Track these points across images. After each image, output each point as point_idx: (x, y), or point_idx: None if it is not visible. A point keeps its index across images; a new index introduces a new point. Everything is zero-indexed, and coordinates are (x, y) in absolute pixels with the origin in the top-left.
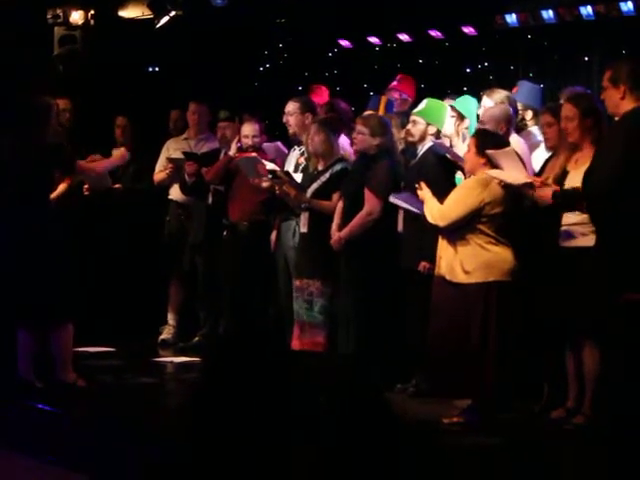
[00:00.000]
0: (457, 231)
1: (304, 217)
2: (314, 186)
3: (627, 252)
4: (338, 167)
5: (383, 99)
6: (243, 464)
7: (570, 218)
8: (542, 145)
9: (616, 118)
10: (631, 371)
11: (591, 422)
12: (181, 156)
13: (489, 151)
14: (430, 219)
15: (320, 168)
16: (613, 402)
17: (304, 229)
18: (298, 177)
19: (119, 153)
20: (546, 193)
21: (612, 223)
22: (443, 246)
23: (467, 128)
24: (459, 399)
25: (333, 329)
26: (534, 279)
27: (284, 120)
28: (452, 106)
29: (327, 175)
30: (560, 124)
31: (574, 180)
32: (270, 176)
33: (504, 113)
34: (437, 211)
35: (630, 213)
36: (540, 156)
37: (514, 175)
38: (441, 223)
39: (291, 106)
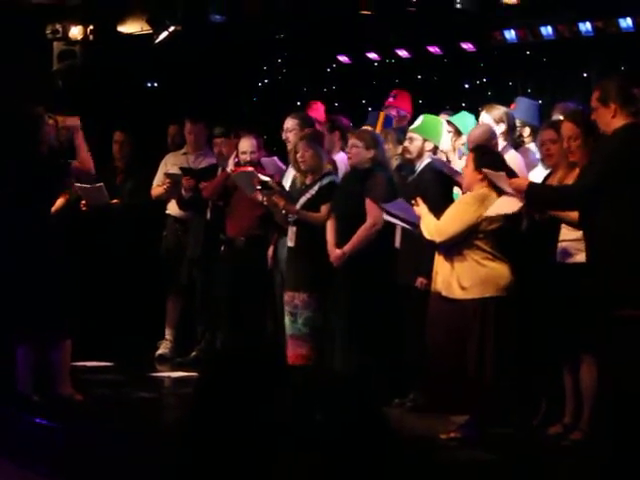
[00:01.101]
0: (454, 247)
1: (291, 231)
2: (302, 200)
3: (608, 267)
4: (326, 180)
5: (381, 115)
6: (239, 478)
7: (567, 235)
8: (540, 164)
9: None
10: (628, 387)
11: (589, 438)
12: (179, 171)
13: (486, 170)
14: (427, 235)
15: (308, 182)
16: (610, 418)
17: (291, 243)
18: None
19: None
20: (522, 183)
21: (592, 235)
22: (440, 262)
23: (464, 144)
24: (456, 414)
25: (318, 342)
26: (531, 295)
27: (283, 137)
28: (449, 121)
29: (315, 188)
30: (562, 141)
31: None
32: (259, 187)
33: (487, 132)
34: (434, 227)
35: (609, 226)
36: (538, 174)
37: (509, 204)
38: (438, 239)
39: (290, 122)
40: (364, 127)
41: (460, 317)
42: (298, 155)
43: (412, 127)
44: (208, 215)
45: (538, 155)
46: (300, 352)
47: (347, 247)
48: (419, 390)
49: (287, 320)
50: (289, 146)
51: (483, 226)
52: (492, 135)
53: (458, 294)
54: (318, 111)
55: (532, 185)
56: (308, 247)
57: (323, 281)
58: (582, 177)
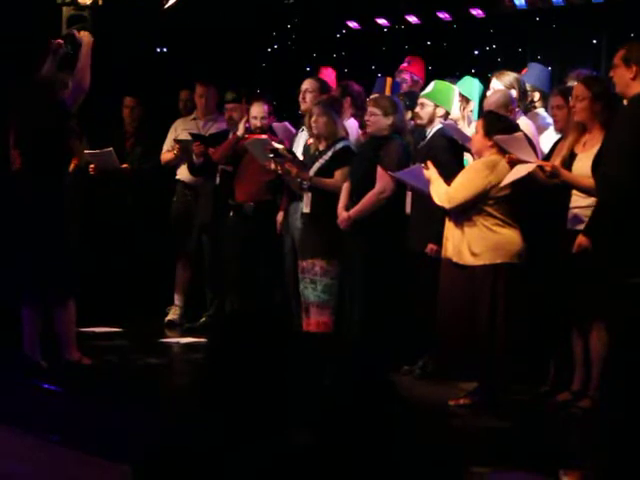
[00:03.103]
0: (464, 213)
1: (307, 197)
2: (316, 165)
3: (635, 236)
4: (340, 145)
5: (389, 80)
6: (246, 445)
7: (578, 201)
8: (551, 128)
9: (624, 101)
10: (635, 354)
11: (597, 405)
12: (188, 137)
13: (497, 137)
14: (436, 200)
15: (322, 148)
16: (618, 385)
17: (306, 209)
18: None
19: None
20: (580, 240)
21: (621, 207)
22: (450, 228)
23: (472, 111)
24: (466, 381)
25: (337, 309)
26: (542, 262)
27: (300, 97)
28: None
29: (329, 154)
30: (568, 107)
31: (582, 163)
32: (272, 155)
33: (506, 97)
34: (444, 192)
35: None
36: (549, 138)
37: (523, 167)
38: (447, 205)
39: (311, 84)
40: (373, 94)
41: (471, 283)
42: (312, 119)
43: (424, 93)
44: (217, 180)
45: (548, 119)
46: (322, 319)
47: (353, 211)
48: (428, 357)
49: (308, 287)
50: (303, 106)
51: (493, 192)
52: (510, 100)
53: (469, 260)
54: (329, 77)
55: (587, 233)
56: (324, 213)
57: (340, 248)
58: (611, 152)
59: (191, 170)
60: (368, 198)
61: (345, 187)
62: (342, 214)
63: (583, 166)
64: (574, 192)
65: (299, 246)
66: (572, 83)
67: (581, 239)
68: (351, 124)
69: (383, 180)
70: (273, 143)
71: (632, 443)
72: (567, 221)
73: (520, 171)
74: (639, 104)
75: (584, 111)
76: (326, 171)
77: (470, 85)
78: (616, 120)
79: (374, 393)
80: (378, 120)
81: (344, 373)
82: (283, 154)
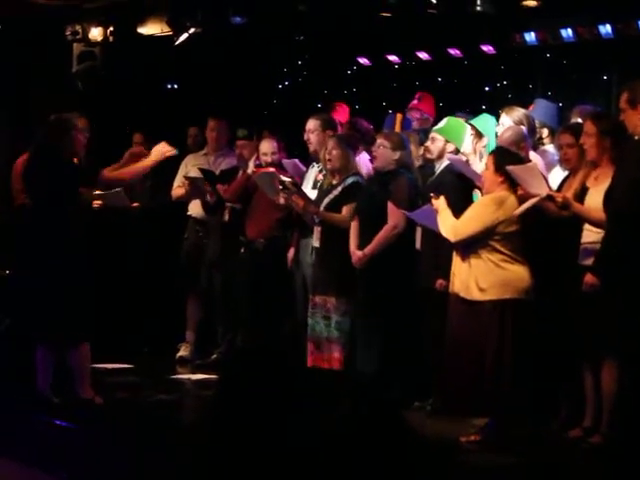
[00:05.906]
0: (471, 248)
1: (317, 231)
2: (326, 200)
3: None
4: (350, 181)
5: (399, 117)
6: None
7: (590, 236)
8: (558, 165)
9: (635, 137)
10: None
11: (609, 441)
12: (199, 173)
13: (510, 167)
14: (443, 232)
15: (334, 183)
16: (630, 421)
17: (317, 244)
18: (315, 194)
19: (156, 153)
20: (589, 280)
21: (632, 241)
22: (457, 263)
23: (485, 146)
24: (476, 417)
25: (348, 345)
26: (552, 297)
27: (305, 138)
28: (470, 124)
29: (339, 189)
30: (579, 145)
31: (593, 197)
32: (281, 187)
33: (518, 134)
34: (450, 225)
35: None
36: (557, 175)
37: (535, 192)
38: (453, 238)
39: (312, 124)
40: (384, 131)
41: (478, 319)
42: (326, 152)
43: (436, 128)
44: (226, 217)
45: (556, 157)
46: (334, 355)
47: (368, 249)
48: (438, 393)
49: (320, 323)
50: (310, 147)
51: (500, 228)
52: (523, 137)
53: (476, 295)
54: (343, 113)
55: (595, 271)
56: (334, 248)
57: (350, 284)
58: (622, 186)
59: (206, 210)
60: (382, 235)
61: (354, 225)
62: (356, 253)
63: (595, 200)
64: (585, 227)
65: (311, 281)
66: (576, 119)
67: (589, 277)
68: (363, 159)
69: (395, 216)
70: (281, 177)
71: None
72: (579, 256)
73: (531, 201)
74: None
75: (593, 147)
76: (335, 206)
77: (486, 122)
78: (625, 154)
79: (385, 429)
80: (385, 152)
81: (355, 409)
82: (289, 187)
